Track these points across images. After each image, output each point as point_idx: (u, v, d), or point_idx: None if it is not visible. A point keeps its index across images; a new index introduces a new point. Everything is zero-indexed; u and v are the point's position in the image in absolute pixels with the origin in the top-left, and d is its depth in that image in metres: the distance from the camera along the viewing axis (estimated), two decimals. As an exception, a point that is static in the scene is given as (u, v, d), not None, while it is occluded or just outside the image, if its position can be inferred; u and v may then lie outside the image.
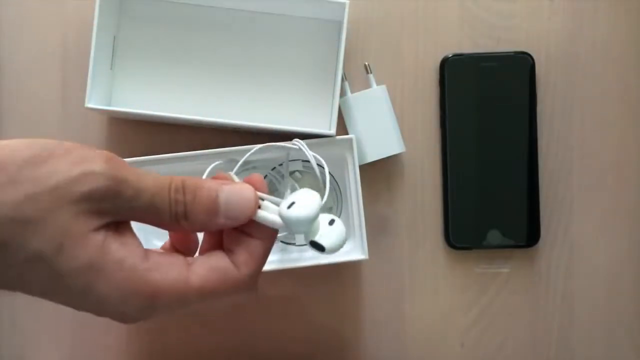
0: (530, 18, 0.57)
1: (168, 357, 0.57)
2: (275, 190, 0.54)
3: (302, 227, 0.31)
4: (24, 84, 0.57)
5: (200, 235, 0.35)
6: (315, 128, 0.52)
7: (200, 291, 0.30)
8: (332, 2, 0.52)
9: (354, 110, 0.55)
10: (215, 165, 0.48)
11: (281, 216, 0.30)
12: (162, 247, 0.35)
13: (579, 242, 0.57)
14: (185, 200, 0.30)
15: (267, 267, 0.51)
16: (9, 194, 0.26)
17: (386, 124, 0.55)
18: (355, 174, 0.51)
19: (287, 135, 0.51)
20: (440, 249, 0.57)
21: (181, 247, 0.34)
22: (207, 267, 0.30)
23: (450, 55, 0.56)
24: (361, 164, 0.53)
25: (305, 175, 0.53)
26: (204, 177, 0.44)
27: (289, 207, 0.30)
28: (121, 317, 0.29)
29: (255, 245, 0.31)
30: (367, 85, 0.56)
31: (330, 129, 0.52)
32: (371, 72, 0.56)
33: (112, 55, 0.55)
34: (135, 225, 0.31)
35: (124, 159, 0.49)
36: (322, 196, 0.32)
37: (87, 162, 0.28)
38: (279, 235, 0.49)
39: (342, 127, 0.55)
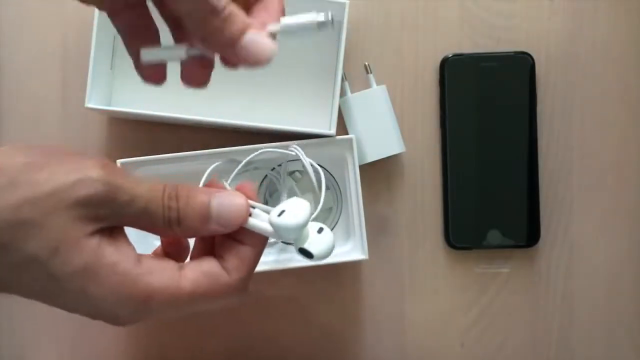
0: (530, 18, 0.57)
1: (167, 357, 0.57)
2: (275, 190, 0.54)
3: (291, 235, 0.32)
4: (24, 84, 0.57)
5: (192, 241, 0.36)
6: (315, 128, 0.52)
7: (192, 295, 0.30)
8: (332, 2, 0.52)
9: (354, 110, 0.55)
10: (216, 166, 0.48)
11: (271, 224, 0.32)
12: (154, 252, 0.35)
13: (579, 242, 0.57)
14: (179, 206, 0.31)
15: (267, 267, 0.51)
16: (8, 198, 0.27)
17: (386, 124, 0.55)
18: (355, 174, 0.51)
19: (288, 135, 0.51)
20: (440, 249, 0.57)
21: (173, 251, 0.35)
22: (198, 272, 0.31)
23: (450, 55, 0.56)
24: (361, 164, 0.53)
25: (305, 175, 0.53)
26: (204, 178, 0.44)
27: (279, 215, 0.31)
28: (114, 319, 0.30)
29: (245, 251, 0.32)
30: (367, 85, 0.56)
31: (330, 129, 0.52)
32: (371, 72, 0.56)
33: (112, 55, 0.55)
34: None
35: (124, 159, 0.50)
36: (317, 203, 0.33)
37: (84, 169, 0.28)
38: (271, 241, 0.50)
39: (342, 127, 0.55)
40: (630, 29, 0.57)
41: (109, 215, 0.29)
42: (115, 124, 0.57)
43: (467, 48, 0.56)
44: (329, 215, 0.54)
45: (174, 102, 0.54)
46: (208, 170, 0.47)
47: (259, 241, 0.33)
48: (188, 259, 0.35)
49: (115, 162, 0.50)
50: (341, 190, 0.54)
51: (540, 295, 0.57)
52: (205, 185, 0.34)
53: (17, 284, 0.28)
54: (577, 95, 0.57)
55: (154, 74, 0.35)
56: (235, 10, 0.30)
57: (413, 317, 0.57)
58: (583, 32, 0.57)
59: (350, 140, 0.51)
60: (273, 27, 0.32)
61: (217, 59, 0.34)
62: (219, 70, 0.35)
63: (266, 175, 0.53)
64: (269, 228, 0.32)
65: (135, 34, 0.34)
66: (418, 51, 0.57)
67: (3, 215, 0.27)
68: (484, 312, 0.57)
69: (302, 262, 0.51)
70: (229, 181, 0.46)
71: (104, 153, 0.57)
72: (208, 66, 0.34)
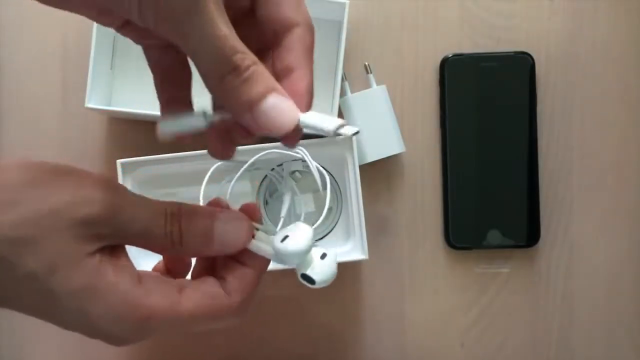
0: (530, 18, 0.57)
1: (168, 357, 0.57)
2: (275, 190, 0.54)
3: (294, 260, 0.32)
4: (24, 84, 0.57)
5: (193, 258, 0.35)
6: (315, 128, 0.52)
7: (191, 316, 0.30)
8: (332, 2, 0.52)
9: (354, 110, 0.55)
10: (217, 167, 0.48)
11: (274, 249, 0.31)
12: (155, 268, 0.35)
13: (579, 242, 0.57)
14: (181, 227, 0.30)
15: (269, 267, 0.51)
16: (8, 214, 0.26)
17: (386, 124, 0.55)
18: (355, 174, 0.51)
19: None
20: (440, 249, 0.57)
21: (174, 267, 0.35)
22: (198, 293, 0.31)
23: (450, 55, 0.56)
24: (361, 164, 0.53)
25: (305, 176, 0.53)
26: (206, 179, 0.44)
27: (282, 240, 0.31)
28: (112, 340, 0.30)
29: (247, 273, 0.32)
30: (367, 85, 0.56)
31: (330, 129, 0.52)
32: (371, 72, 0.56)
33: (112, 55, 0.55)
34: None
35: (124, 159, 0.50)
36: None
37: (86, 187, 0.28)
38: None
39: (342, 127, 0.55)
40: (630, 29, 0.57)
41: (110, 235, 0.29)
42: (115, 124, 0.57)
43: (467, 48, 0.56)
44: (329, 215, 0.54)
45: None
46: (210, 171, 0.47)
47: (261, 264, 0.32)
48: (189, 275, 0.35)
49: (115, 162, 0.50)
50: (341, 190, 0.54)
51: (540, 295, 0.57)
52: (209, 203, 0.34)
53: (15, 300, 0.28)
54: (577, 95, 0.57)
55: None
56: (261, 70, 0.27)
57: (413, 317, 0.57)
58: (583, 32, 0.57)
59: (350, 140, 0.51)
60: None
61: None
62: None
63: (266, 175, 0.53)
64: (271, 252, 0.32)
65: (166, 75, 0.32)
66: (418, 51, 0.57)
67: (3, 231, 0.26)
68: (484, 312, 0.57)
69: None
70: (232, 182, 0.46)
71: (104, 153, 0.57)
72: (231, 141, 0.32)
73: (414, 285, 0.57)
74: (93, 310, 0.28)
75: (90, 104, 0.51)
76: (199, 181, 0.46)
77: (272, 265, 0.33)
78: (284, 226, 0.49)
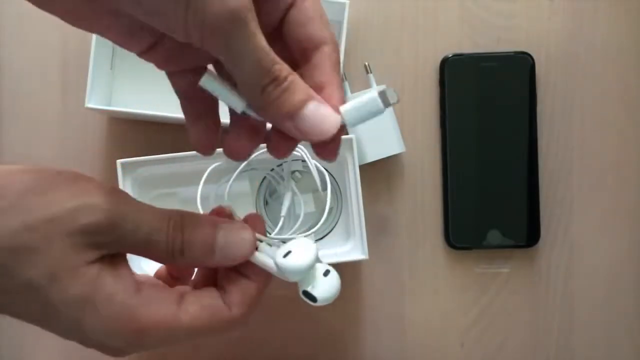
0: (530, 18, 0.57)
1: (168, 358, 0.57)
2: (274, 190, 0.54)
3: (296, 277, 0.31)
4: (24, 84, 0.57)
5: None
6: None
7: (190, 329, 0.30)
8: (332, 2, 0.52)
9: (354, 110, 0.55)
10: (216, 166, 0.48)
11: (277, 264, 0.31)
12: (157, 273, 0.35)
13: (579, 242, 0.57)
14: (183, 237, 0.30)
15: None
16: (7, 222, 0.26)
17: (386, 124, 0.55)
18: (355, 174, 0.51)
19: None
20: (440, 249, 0.57)
21: (176, 273, 0.34)
22: (198, 306, 0.30)
23: (450, 55, 0.56)
24: (361, 164, 0.53)
25: (305, 176, 0.53)
26: (203, 178, 0.44)
27: (285, 255, 0.31)
28: (108, 350, 0.29)
29: (249, 286, 0.32)
30: (367, 85, 0.56)
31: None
32: (371, 72, 0.56)
33: (112, 55, 0.55)
34: None
35: (124, 159, 0.50)
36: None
37: (87, 195, 0.28)
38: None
39: (342, 127, 0.55)
40: (630, 29, 0.57)
41: (111, 243, 0.28)
42: (115, 124, 0.57)
43: (467, 48, 0.56)
44: (329, 215, 0.54)
45: (174, 102, 0.54)
46: (208, 171, 0.47)
47: (264, 277, 0.32)
48: (191, 279, 0.35)
49: (115, 162, 0.50)
50: (341, 190, 0.54)
51: (540, 295, 0.57)
52: (212, 212, 0.33)
53: (13, 307, 0.28)
54: (577, 95, 0.57)
55: (204, 144, 0.33)
56: (298, 80, 0.28)
57: (413, 317, 0.57)
58: (583, 32, 0.57)
59: (350, 140, 0.51)
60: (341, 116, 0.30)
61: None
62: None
63: (266, 176, 0.53)
64: (274, 266, 0.31)
65: (193, 98, 0.32)
66: (418, 51, 0.57)
67: (3, 239, 0.26)
68: (484, 312, 0.57)
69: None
70: (230, 182, 0.46)
71: (104, 153, 0.57)
72: (255, 139, 0.32)
73: (414, 285, 0.57)
74: (88, 321, 0.28)
75: (90, 104, 0.51)
76: (199, 181, 0.46)
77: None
78: (284, 226, 0.49)
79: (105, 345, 0.29)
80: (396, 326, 0.57)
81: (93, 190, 0.28)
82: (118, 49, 0.55)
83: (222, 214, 0.33)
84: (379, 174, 0.57)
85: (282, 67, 0.27)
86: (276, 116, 0.28)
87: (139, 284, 0.30)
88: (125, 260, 0.30)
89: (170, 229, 0.30)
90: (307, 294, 0.32)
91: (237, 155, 0.32)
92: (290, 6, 0.29)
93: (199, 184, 0.43)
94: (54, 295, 0.27)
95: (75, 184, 0.28)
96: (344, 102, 0.30)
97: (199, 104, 0.32)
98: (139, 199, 0.42)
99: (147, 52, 0.30)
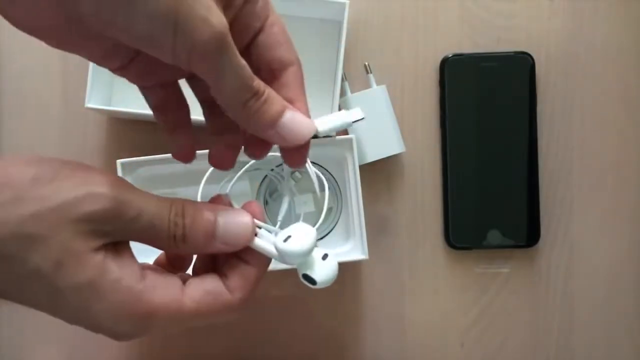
0: (530, 18, 0.57)
1: (168, 357, 0.57)
2: (275, 190, 0.54)
3: (296, 261, 0.32)
4: (24, 84, 0.57)
5: None
6: (315, 128, 0.52)
7: (194, 313, 0.31)
8: (332, 2, 0.52)
9: (354, 110, 0.55)
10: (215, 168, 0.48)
11: (277, 248, 0.32)
12: (157, 260, 0.35)
13: (579, 242, 0.57)
14: (184, 223, 0.31)
15: (269, 267, 0.51)
16: (15, 211, 0.27)
17: (386, 124, 0.55)
18: (355, 174, 0.51)
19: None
20: (440, 249, 0.57)
21: (175, 261, 0.35)
22: (201, 290, 0.31)
23: (450, 55, 0.56)
24: (361, 164, 0.53)
25: (305, 176, 0.53)
26: (205, 178, 0.44)
27: (285, 240, 0.32)
28: (115, 335, 0.30)
29: (249, 271, 0.33)
30: (367, 85, 0.56)
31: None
32: (371, 72, 0.56)
33: (112, 55, 0.55)
34: None
35: (124, 159, 0.50)
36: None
37: (91, 183, 0.29)
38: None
39: (342, 127, 0.55)
40: (630, 29, 0.57)
41: (115, 231, 0.29)
42: (115, 124, 0.57)
43: (467, 48, 0.56)
44: (329, 215, 0.54)
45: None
46: (209, 172, 0.47)
47: (263, 262, 0.33)
48: (190, 269, 0.35)
49: (115, 162, 0.50)
50: (341, 190, 0.54)
51: (540, 295, 0.57)
52: (211, 201, 0.35)
53: (21, 295, 0.29)
54: (577, 95, 0.57)
55: (184, 154, 0.36)
56: (273, 92, 0.31)
57: (413, 317, 0.57)
58: (583, 32, 0.57)
59: (350, 140, 0.51)
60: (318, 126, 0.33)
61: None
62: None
63: (266, 176, 0.53)
64: (274, 251, 0.32)
65: (166, 110, 0.34)
66: (418, 51, 0.57)
67: (8, 228, 0.27)
68: (484, 312, 0.57)
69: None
70: (231, 182, 0.46)
71: (104, 153, 0.57)
72: (235, 149, 0.35)
73: (414, 285, 0.57)
74: (96, 306, 0.28)
75: (90, 104, 0.51)
76: (199, 181, 0.46)
77: (273, 265, 0.33)
78: (283, 227, 0.49)
79: (112, 330, 0.30)
80: (396, 326, 0.57)
81: (97, 179, 0.29)
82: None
83: (220, 203, 0.34)
84: (379, 174, 0.57)
85: (260, 82, 0.30)
86: (259, 126, 0.31)
87: (143, 270, 0.30)
88: (129, 248, 0.31)
89: (172, 216, 0.31)
90: (307, 277, 0.33)
91: (223, 165, 0.35)
92: (259, 31, 0.31)
93: (199, 184, 0.43)
94: (60, 282, 0.28)
95: (79, 173, 0.29)
96: (304, 88, 0.33)
97: (171, 116, 0.35)
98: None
99: (120, 69, 0.32)
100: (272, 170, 0.53)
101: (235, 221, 0.32)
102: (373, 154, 0.55)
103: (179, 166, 0.52)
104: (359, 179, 0.51)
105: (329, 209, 0.54)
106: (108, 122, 0.57)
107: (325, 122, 0.33)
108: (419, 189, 0.57)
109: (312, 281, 0.33)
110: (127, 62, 0.32)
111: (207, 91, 0.32)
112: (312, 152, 0.49)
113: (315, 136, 0.33)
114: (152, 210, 0.30)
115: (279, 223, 0.49)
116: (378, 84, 0.56)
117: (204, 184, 0.44)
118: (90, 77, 0.51)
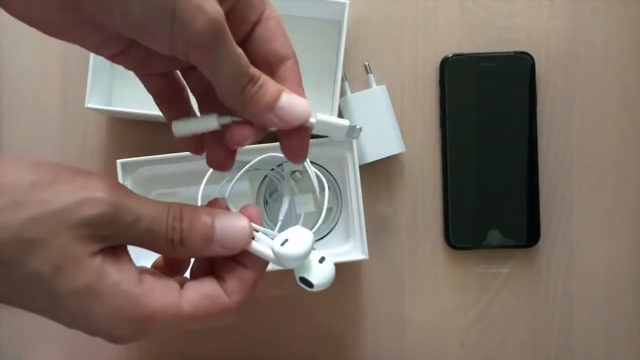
0: (530, 18, 0.57)
1: (168, 357, 0.57)
2: (275, 190, 0.54)
3: (293, 264, 0.32)
4: (24, 84, 0.57)
5: None
6: (315, 128, 0.52)
7: (192, 316, 0.31)
8: (332, 2, 0.52)
9: (354, 110, 0.55)
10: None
11: (274, 252, 0.32)
12: (154, 264, 0.35)
13: (579, 242, 0.57)
14: (182, 227, 0.31)
15: (268, 267, 0.51)
16: (14, 216, 0.27)
17: (386, 124, 0.55)
18: (355, 174, 0.51)
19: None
20: (440, 249, 0.57)
21: (173, 264, 0.35)
22: (199, 294, 0.31)
23: (450, 55, 0.56)
24: (361, 164, 0.53)
25: (305, 176, 0.53)
26: (205, 179, 0.44)
27: (282, 243, 0.32)
28: (114, 338, 0.30)
29: (247, 274, 0.33)
30: (367, 85, 0.56)
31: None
32: (371, 72, 0.56)
33: (112, 55, 0.55)
34: None
35: (124, 159, 0.50)
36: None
37: (90, 188, 0.29)
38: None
39: (342, 127, 0.55)
40: (630, 29, 0.57)
41: (113, 235, 0.29)
42: (115, 124, 0.57)
43: (467, 48, 0.56)
44: (329, 215, 0.54)
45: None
46: (210, 172, 0.47)
47: (261, 266, 0.33)
48: (188, 272, 0.36)
49: (115, 162, 0.50)
50: (341, 190, 0.54)
51: (540, 295, 0.57)
52: (208, 204, 0.35)
53: (20, 299, 0.29)
54: (577, 95, 0.57)
55: (191, 146, 0.35)
56: (267, 77, 0.31)
57: (413, 317, 0.57)
58: (583, 32, 0.57)
59: (351, 140, 0.51)
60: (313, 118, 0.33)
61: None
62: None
63: (266, 175, 0.53)
64: (271, 254, 0.32)
65: (167, 99, 0.34)
66: (418, 51, 0.57)
67: (8, 232, 0.27)
68: (484, 312, 0.57)
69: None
70: (232, 182, 0.46)
71: (104, 153, 0.57)
72: (232, 151, 0.35)
73: (414, 285, 0.57)
74: (94, 310, 0.28)
75: (90, 104, 0.51)
76: (199, 181, 0.46)
77: (272, 265, 0.33)
78: (281, 229, 0.49)
79: (110, 333, 0.30)
80: (396, 326, 0.57)
81: (95, 183, 0.29)
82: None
83: (218, 206, 0.34)
84: (379, 174, 0.57)
85: (255, 69, 0.31)
86: (257, 110, 0.31)
87: (141, 274, 0.31)
88: (127, 252, 0.31)
89: (169, 220, 0.31)
90: (304, 280, 0.33)
91: (221, 167, 0.34)
92: (256, 24, 0.32)
93: (199, 184, 0.43)
94: (59, 286, 0.28)
95: (78, 178, 0.29)
96: (301, 81, 0.33)
97: (173, 105, 0.34)
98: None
99: (116, 57, 0.32)
100: (272, 170, 0.53)
101: (233, 225, 0.32)
102: (373, 154, 0.55)
103: (179, 166, 0.52)
104: (359, 179, 0.51)
105: (329, 209, 0.54)
106: (108, 122, 0.57)
107: (324, 118, 0.33)
108: (419, 189, 0.57)
109: (309, 284, 0.33)
110: (122, 49, 0.31)
111: (202, 85, 0.32)
112: (312, 152, 0.50)
113: (312, 136, 0.33)
114: (150, 215, 0.30)
115: (279, 223, 0.49)
116: (378, 84, 0.56)
117: (204, 184, 0.44)
118: (90, 77, 0.51)
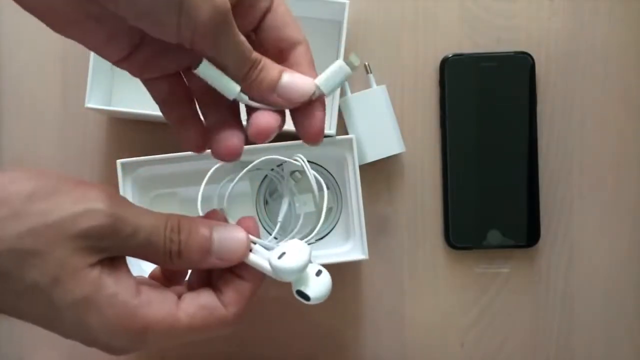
0: (530, 18, 0.57)
1: (167, 357, 0.57)
2: (275, 190, 0.54)
3: (290, 277, 0.33)
4: (24, 84, 0.57)
5: None
6: (315, 128, 0.52)
7: (189, 328, 0.31)
8: (332, 2, 0.52)
9: (354, 110, 0.55)
10: (217, 167, 0.48)
11: (271, 265, 0.32)
12: (152, 274, 0.36)
13: (579, 242, 0.57)
14: (180, 239, 0.31)
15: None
16: (13, 227, 0.27)
17: (386, 124, 0.55)
18: (355, 174, 0.51)
19: (288, 135, 0.51)
20: (440, 249, 0.57)
21: (170, 274, 0.36)
22: (196, 305, 0.32)
23: (450, 55, 0.56)
24: (361, 164, 0.53)
25: (305, 176, 0.53)
26: (205, 179, 0.44)
27: (279, 257, 0.32)
28: (111, 349, 0.30)
29: (243, 286, 0.33)
30: (367, 85, 0.56)
31: (330, 129, 0.52)
32: (371, 72, 0.56)
33: (112, 55, 0.55)
34: None
35: (124, 159, 0.50)
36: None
37: (88, 200, 0.29)
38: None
39: (342, 127, 0.55)
40: (630, 29, 0.57)
41: (111, 247, 0.29)
42: (115, 124, 0.57)
43: (467, 48, 0.56)
44: (329, 215, 0.54)
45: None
46: (211, 171, 0.47)
47: (258, 277, 0.33)
48: (186, 279, 0.36)
49: (115, 162, 0.50)
50: (341, 190, 0.54)
51: (540, 295, 0.57)
52: (206, 216, 0.35)
53: (18, 309, 0.29)
54: (577, 95, 0.57)
55: (195, 144, 0.34)
56: (268, 60, 0.32)
57: (413, 317, 0.57)
58: (583, 32, 0.57)
59: (350, 140, 0.51)
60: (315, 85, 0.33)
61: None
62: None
63: (266, 175, 0.53)
64: (268, 267, 0.32)
65: (172, 103, 0.34)
66: (418, 51, 0.57)
67: (7, 244, 0.27)
68: (484, 312, 0.57)
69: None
70: (232, 183, 0.46)
71: (104, 153, 0.57)
72: (242, 137, 0.34)
73: (414, 285, 0.57)
74: (92, 321, 0.29)
75: (90, 104, 0.51)
76: (199, 181, 0.46)
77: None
78: (280, 230, 0.49)
79: (107, 344, 0.30)
80: (396, 326, 0.57)
81: (94, 195, 0.29)
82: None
83: (215, 218, 0.34)
84: (379, 174, 0.57)
85: (256, 54, 0.31)
86: (260, 93, 0.32)
87: (139, 285, 0.31)
88: (125, 263, 0.31)
89: (167, 232, 0.31)
90: (300, 293, 0.33)
91: (229, 155, 0.33)
92: (267, 12, 0.32)
93: (199, 184, 0.43)
94: (57, 297, 0.28)
95: (77, 189, 0.29)
96: (313, 63, 0.34)
97: (178, 110, 0.34)
98: (139, 199, 0.43)
99: (123, 61, 0.32)
100: (272, 170, 0.53)
101: (231, 237, 0.32)
102: (373, 154, 0.55)
103: (179, 166, 0.52)
104: (359, 179, 0.51)
105: (329, 209, 0.54)
106: (108, 122, 0.57)
107: (324, 78, 0.33)
108: (419, 189, 0.57)
109: (306, 297, 0.33)
110: (127, 52, 0.32)
111: (202, 85, 0.32)
112: (312, 152, 0.50)
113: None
114: (149, 227, 0.30)
115: (279, 223, 0.49)
116: (378, 84, 0.56)
117: (205, 184, 0.44)
118: (90, 77, 0.51)
